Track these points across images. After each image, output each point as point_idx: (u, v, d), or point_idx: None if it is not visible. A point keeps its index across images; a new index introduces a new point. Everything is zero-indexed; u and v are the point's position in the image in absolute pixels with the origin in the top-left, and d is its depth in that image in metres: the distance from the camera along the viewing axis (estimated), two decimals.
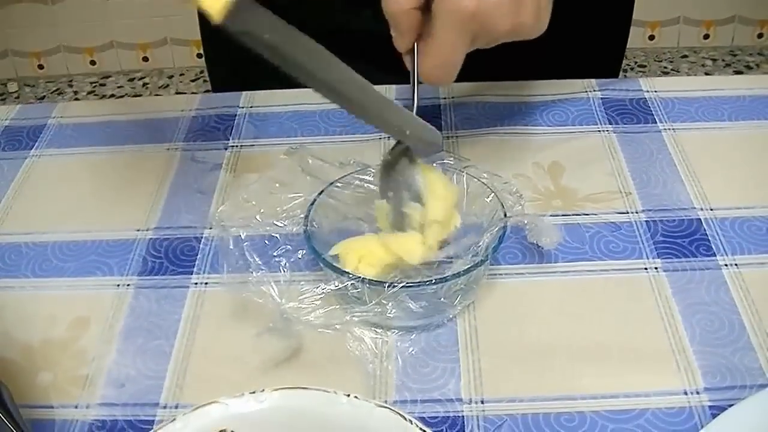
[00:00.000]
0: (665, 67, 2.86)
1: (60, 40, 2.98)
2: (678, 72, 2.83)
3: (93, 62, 3.03)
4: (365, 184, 0.73)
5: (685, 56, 2.93)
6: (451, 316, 0.67)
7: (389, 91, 0.93)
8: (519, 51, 0.92)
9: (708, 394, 0.61)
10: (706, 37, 2.93)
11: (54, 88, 3.01)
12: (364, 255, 0.67)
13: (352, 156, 0.75)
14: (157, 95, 2.89)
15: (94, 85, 3.01)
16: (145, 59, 3.04)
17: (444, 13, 0.65)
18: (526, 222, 0.70)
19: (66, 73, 3.05)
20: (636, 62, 2.88)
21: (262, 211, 0.71)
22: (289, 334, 0.65)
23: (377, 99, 0.65)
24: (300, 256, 0.70)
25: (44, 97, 2.96)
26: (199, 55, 2.97)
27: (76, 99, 2.90)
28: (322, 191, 0.71)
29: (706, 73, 2.79)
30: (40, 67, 3.04)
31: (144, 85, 3.00)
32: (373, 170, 0.73)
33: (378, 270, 0.67)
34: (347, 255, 0.67)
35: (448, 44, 0.66)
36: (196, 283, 0.72)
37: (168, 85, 2.98)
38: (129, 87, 2.99)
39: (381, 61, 0.98)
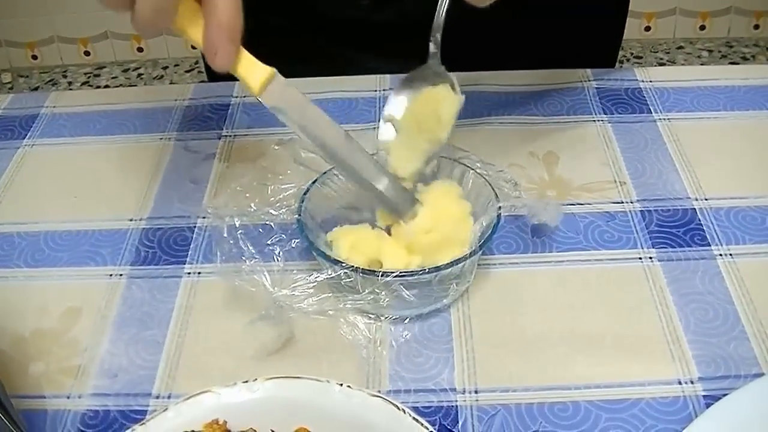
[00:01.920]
0: (661, 59, 2.86)
1: (54, 30, 2.97)
2: (674, 63, 2.83)
3: (87, 53, 3.02)
4: None
5: (681, 47, 2.92)
6: (444, 305, 0.67)
7: (383, 81, 0.92)
8: (517, 41, 0.92)
9: (702, 383, 0.61)
10: (702, 28, 2.93)
11: (48, 79, 3.00)
12: (355, 243, 0.67)
13: None
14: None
15: (88, 75, 3.00)
16: (140, 50, 3.03)
17: None
18: (524, 204, 0.69)
19: (60, 63, 3.04)
20: (632, 53, 2.88)
21: (256, 200, 0.71)
22: (281, 322, 0.64)
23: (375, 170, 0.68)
24: (293, 245, 0.70)
25: (38, 87, 2.95)
26: (194, 46, 2.96)
27: (70, 90, 2.89)
28: (315, 181, 0.70)
29: (702, 65, 2.78)
30: (34, 57, 3.03)
31: (139, 75, 2.99)
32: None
33: (366, 259, 0.67)
34: (340, 241, 0.67)
35: None
36: (189, 273, 0.72)
37: (162, 76, 2.98)
38: (123, 78, 2.98)
39: (377, 50, 0.98)
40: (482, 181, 0.70)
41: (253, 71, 0.62)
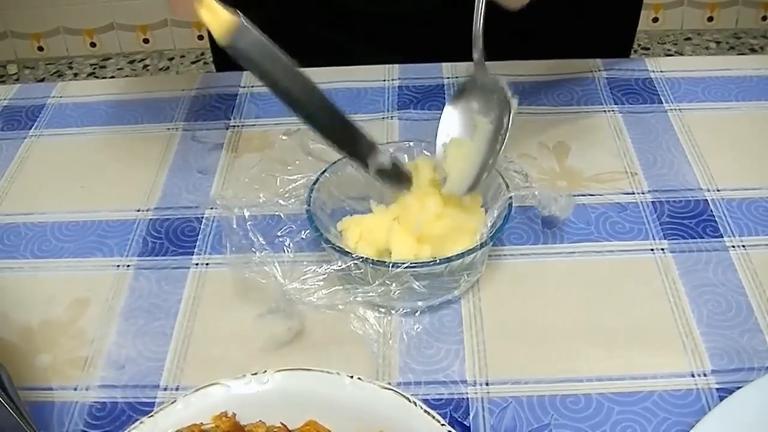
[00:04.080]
0: (669, 50, 2.85)
1: (60, 21, 2.96)
2: (681, 55, 2.81)
3: (93, 44, 3.01)
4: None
5: (689, 39, 2.91)
6: (455, 296, 0.67)
7: (392, 71, 0.92)
8: (531, 31, 0.91)
9: (715, 376, 0.61)
10: (710, 19, 2.91)
11: (54, 70, 2.99)
12: (364, 233, 0.66)
13: None
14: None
15: (94, 67, 2.99)
16: (146, 41, 3.02)
17: None
18: (536, 193, 0.69)
19: (66, 54, 3.03)
20: (639, 45, 2.86)
21: (265, 191, 0.70)
22: (291, 315, 0.64)
23: (345, 124, 0.66)
24: (303, 236, 0.69)
25: (44, 79, 2.94)
26: (200, 37, 2.96)
27: (76, 81, 2.88)
28: (324, 171, 0.70)
29: (710, 56, 2.77)
30: (40, 48, 3.03)
31: (144, 67, 2.98)
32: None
33: (375, 249, 0.66)
34: (349, 230, 0.67)
35: None
36: (197, 264, 0.71)
37: (168, 68, 2.97)
38: (129, 69, 2.97)
39: (380, 41, 0.98)
40: (493, 172, 0.69)
41: (217, 18, 0.61)
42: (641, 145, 0.81)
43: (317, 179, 0.69)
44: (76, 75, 2.96)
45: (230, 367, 0.63)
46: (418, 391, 0.61)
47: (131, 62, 3.01)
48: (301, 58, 0.86)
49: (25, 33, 3.00)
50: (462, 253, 0.62)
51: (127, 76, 2.92)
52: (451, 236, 0.66)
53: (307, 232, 0.69)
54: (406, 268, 0.61)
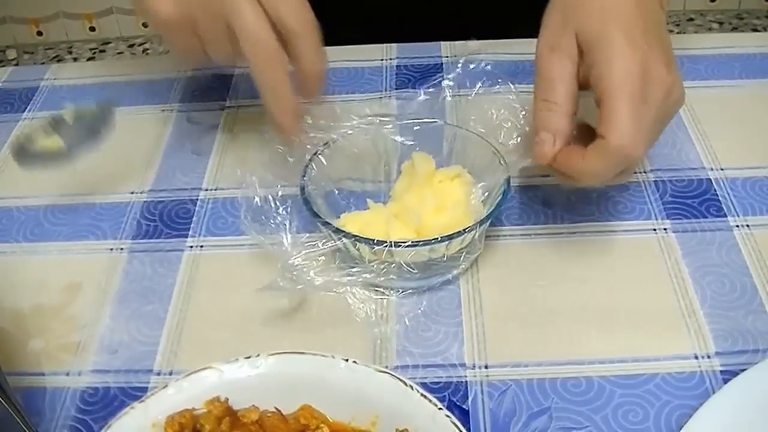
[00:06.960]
0: (671, 30, 2.83)
1: (59, 6, 2.95)
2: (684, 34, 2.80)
3: (92, 28, 3.00)
4: (363, 142, 0.71)
5: (692, 19, 2.89)
6: (454, 276, 0.66)
7: (390, 50, 0.91)
8: (522, 8, 0.90)
9: (719, 358, 0.60)
10: None
11: (53, 55, 2.98)
12: (363, 228, 0.65)
13: (349, 115, 0.73)
14: None
15: (93, 51, 2.98)
16: (145, 25, 3.00)
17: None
18: None
19: (65, 39, 3.02)
20: None
21: (267, 170, 0.69)
22: (287, 297, 0.63)
23: None
24: (300, 216, 0.68)
25: (43, 63, 2.93)
26: None
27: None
28: (317, 152, 0.68)
29: None
30: (39, 33, 3.01)
31: (144, 51, 2.97)
32: (368, 132, 0.71)
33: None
34: (348, 226, 0.65)
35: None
36: (191, 247, 0.70)
37: (168, 51, 2.95)
38: (129, 53, 2.96)
39: (374, 26, 0.96)
40: (491, 150, 0.68)
41: None
42: None
43: (311, 159, 0.68)
44: (75, 59, 2.95)
45: (224, 350, 0.61)
46: (415, 375, 0.60)
47: (131, 46, 3.00)
48: None
49: (24, 18, 2.98)
50: (459, 232, 0.61)
51: None
52: (450, 229, 0.64)
53: (304, 212, 0.68)
54: (406, 247, 0.60)
